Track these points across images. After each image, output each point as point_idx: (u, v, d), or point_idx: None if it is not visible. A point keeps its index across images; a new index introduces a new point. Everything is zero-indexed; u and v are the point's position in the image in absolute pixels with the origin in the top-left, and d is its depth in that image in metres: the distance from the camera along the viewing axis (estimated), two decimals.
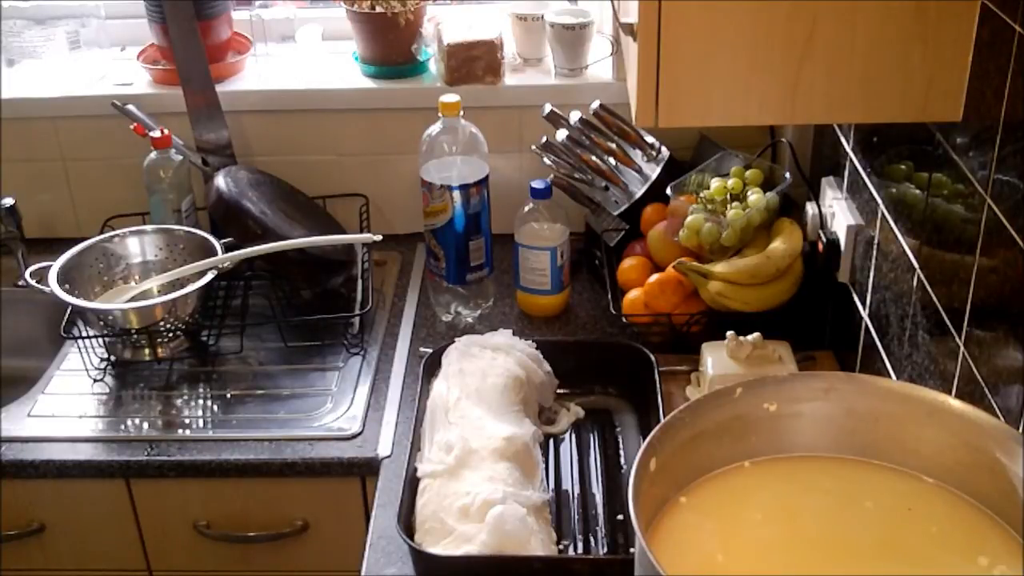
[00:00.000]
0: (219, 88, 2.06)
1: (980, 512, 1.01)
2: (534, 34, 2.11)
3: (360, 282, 1.98)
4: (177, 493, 1.69)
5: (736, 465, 1.08)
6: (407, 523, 1.41)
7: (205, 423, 1.74)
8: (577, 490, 1.55)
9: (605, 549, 1.45)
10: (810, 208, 1.79)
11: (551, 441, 1.63)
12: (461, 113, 1.81)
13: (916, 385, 1.10)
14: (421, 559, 1.37)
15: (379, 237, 1.88)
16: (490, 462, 1.43)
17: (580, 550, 1.45)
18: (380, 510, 1.53)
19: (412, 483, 1.45)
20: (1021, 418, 1.08)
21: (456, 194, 1.81)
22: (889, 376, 1.48)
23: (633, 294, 1.83)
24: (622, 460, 1.60)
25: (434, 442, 1.49)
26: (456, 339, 1.67)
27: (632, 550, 1.01)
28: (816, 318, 1.76)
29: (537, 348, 1.67)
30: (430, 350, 1.70)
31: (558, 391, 1.69)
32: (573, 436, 1.65)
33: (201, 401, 1.78)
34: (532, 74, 2.12)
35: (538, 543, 1.36)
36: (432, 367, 1.66)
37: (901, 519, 1.02)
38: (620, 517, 1.48)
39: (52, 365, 1.87)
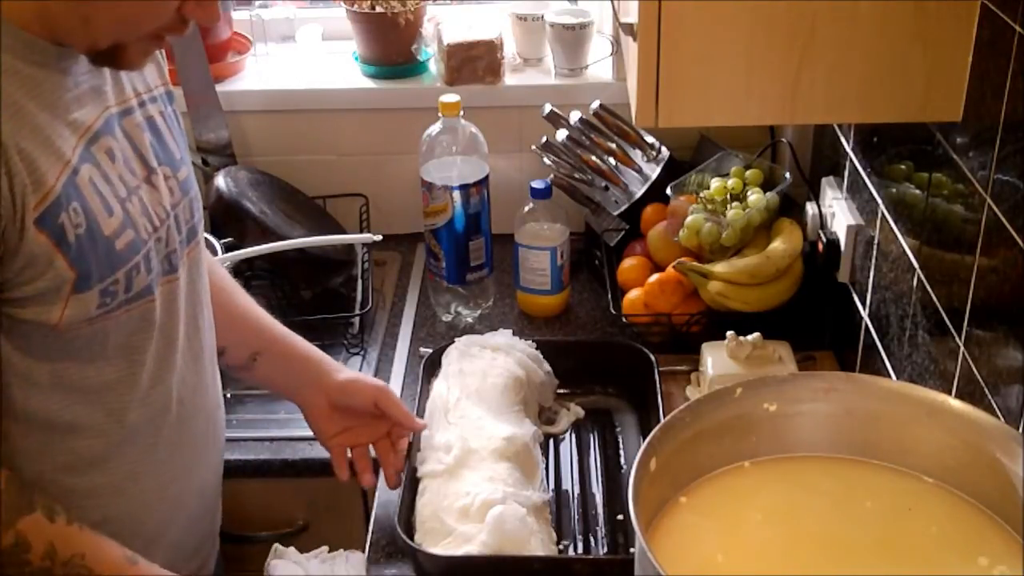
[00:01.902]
0: (219, 88, 2.06)
1: (980, 512, 1.01)
2: (534, 34, 2.11)
3: (360, 282, 1.98)
4: None
5: (736, 465, 1.08)
6: (407, 523, 1.41)
7: None
8: (577, 490, 1.54)
9: (605, 549, 1.45)
10: (810, 208, 1.79)
11: (551, 441, 1.62)
12: (461, 113, 1.81)
13: (916, 385, 1.11)
14: (421, 559, 1.37)
15: (379, 237, 1.89)
16: (490, 462, 1.43)
17: (580, 550, 1.44)
18: (380, 510, 1.53)
19: (412, 483, 1.45)
20: (1021, 418, 1.08)
21: (456, 194, 1.81)
22: (889, 376, 1.48)
23: (633, 294, 1.83)
24: (622, 460, 1.60)
25: (434, 442, 1.49)
26: (456, 339, 1.67)
27: (632, 550, 1.01)
28: (816, 318, 1.76)
29: (537, 348, 1.66)
30: (430, 350, 1.70)
31: (558, 391, 1.69)
32: (573, 436, 1.64)
33: None
34: (532, 74, 2.12)
35: (538, 543, 1.35)
36: (432, 367, 1.66)
37: (901, 519, 1.02)
38: (620, 517, 1.48)
39: None
